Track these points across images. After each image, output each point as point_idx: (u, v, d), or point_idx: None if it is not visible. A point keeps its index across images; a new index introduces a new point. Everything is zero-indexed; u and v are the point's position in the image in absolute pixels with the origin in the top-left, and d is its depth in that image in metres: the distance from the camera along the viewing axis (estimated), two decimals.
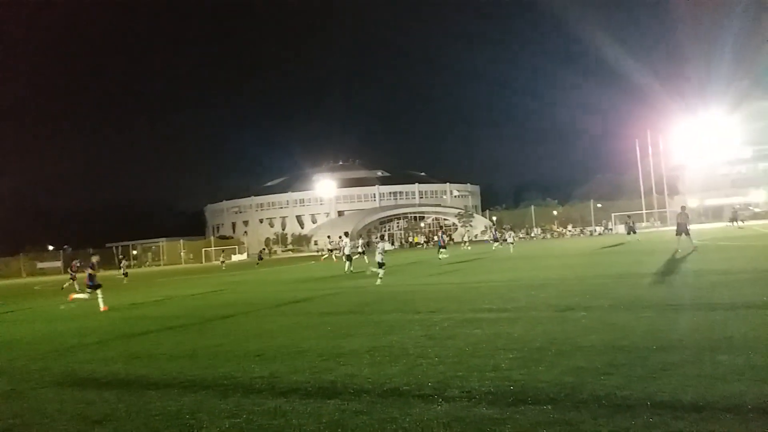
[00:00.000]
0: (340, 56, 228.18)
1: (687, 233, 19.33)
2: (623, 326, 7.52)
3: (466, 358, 6.34)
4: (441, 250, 30.18)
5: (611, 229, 65.78)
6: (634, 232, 34.52)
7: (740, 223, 42.80)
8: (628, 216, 43.75)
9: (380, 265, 17.83)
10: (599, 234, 63.74)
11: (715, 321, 7.43)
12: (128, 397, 5.83)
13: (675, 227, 20.04)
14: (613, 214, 69.41)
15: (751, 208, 69.47)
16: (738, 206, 59.43)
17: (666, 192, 72.54)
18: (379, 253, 18.16)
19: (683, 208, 21.20)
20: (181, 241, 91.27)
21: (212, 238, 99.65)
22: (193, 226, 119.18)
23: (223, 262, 57.06)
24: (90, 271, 16.35)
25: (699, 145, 75.49)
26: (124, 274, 35.60)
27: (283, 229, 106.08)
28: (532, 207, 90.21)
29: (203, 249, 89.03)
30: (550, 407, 4.51)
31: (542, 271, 17.49)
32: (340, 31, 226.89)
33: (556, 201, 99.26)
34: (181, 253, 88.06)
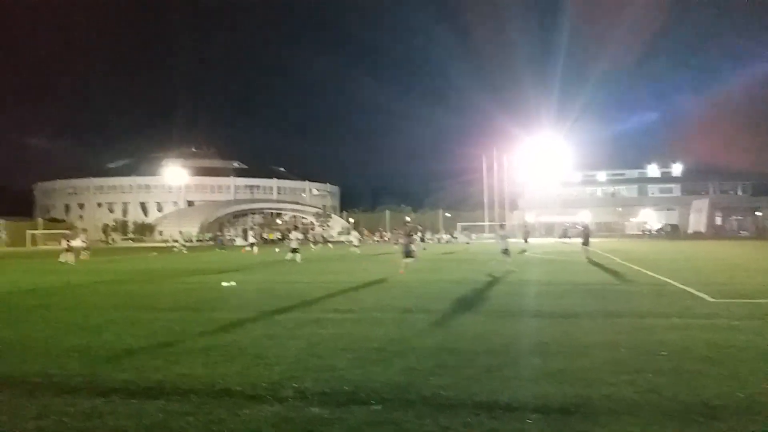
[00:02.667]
0: (196, 33, 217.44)
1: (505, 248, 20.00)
2: (456, 329, 7.98)
3: (305, 359, 6.32)
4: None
5: (456, 237, 69.77)
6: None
7: (568, 239, 47.75)
8: (500, 225, 47.22)
9: (294, 250, 24.07)
10: (446, 241, 67.32)
11: (535, 327, 8.15)
12: None
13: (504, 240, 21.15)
14: (458, 224, 73.74)
15: (578, 226, 77.77)
16: (567, 224, 66.09)
17: (507, 206, 78.78)
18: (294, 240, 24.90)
19: (502, 226, 22.79)
20: (2, 221, 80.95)
21: (40, 219, 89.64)
22: (18, 206, 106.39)
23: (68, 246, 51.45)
24: None
25: (537, 166, 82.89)
26: None
27: (125, 216, 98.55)
28: (387, 211, 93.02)
29: (28, 231, 79.68)
30: (380, 407, 4.63)
31: (390, 275, 18.01)
32: (207, 11, 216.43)
33: (410, 207, 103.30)
34: (1, 235, 78.11)
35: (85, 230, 31.18)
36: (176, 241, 43.73)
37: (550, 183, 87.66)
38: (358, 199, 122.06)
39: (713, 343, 6.75)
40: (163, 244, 68.05)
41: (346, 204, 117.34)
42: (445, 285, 14.28)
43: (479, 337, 7.38)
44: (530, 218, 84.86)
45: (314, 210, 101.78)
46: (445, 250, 38.71)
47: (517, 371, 5.69)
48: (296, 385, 5.25)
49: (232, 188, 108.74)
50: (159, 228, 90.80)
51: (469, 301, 11.04)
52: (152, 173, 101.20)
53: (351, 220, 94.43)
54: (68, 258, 27.33)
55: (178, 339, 7.55)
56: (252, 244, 39.01)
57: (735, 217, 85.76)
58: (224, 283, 14.93)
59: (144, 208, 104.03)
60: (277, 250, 28.50)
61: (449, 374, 5.56)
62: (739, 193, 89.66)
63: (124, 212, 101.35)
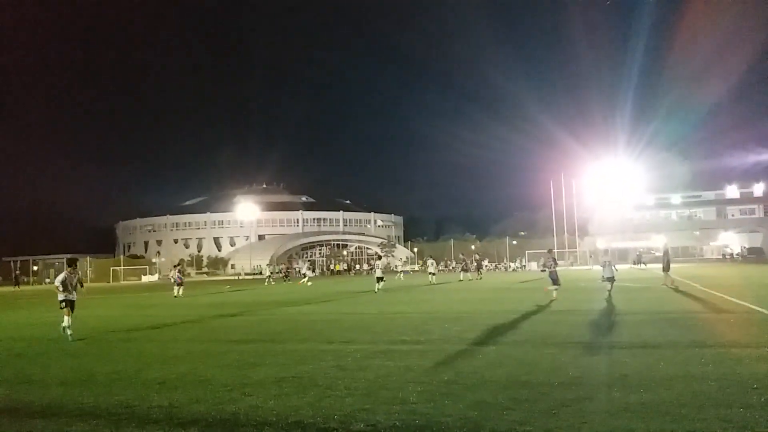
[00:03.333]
0: (267, 76, 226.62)
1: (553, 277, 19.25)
2: (528, 362, 7.76)
3: (375, 391, 6.32)
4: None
5: (524, 266, 68.19)
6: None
7: (643, 266, 45.72)
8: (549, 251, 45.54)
9: (379, 279, 24.37)
10: (513, 270, 65.93)
11: (612, 359, 7.81)
12: (9, 426, 5.37)
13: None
14: (527, 251, 72.14)
15: (652, 251, 74.37)
16: (641, 250, 63.46)
17: (577, 232, 76.45)
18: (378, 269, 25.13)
19: (550, 251, 21.68)
20: (88, 258, 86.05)
21: (122, 257, 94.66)
22: (102, 244, 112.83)
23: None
24: None
25: (607, 190, 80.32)
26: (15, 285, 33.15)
27: (199, 251, 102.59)
28: (452, 240, 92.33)
29: (111, 268, 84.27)
30: None
31: (457, 305, 17.82)
32: (267, 48, 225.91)
33: (475, 236, 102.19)
34: (87, 271, 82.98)
35: (177, 266, 32.24)
36: (268, 274, 45.47)
37: (622, 207, 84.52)
38: (422, 228, 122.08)
39: None
40: (234, 277, 70.16)
41: (410, 234, 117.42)
42: (513, 315, 13.96)
43: (553, 369, 7.15)
44: (601, 244, 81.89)
45: (379, 240, 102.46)
46: (514, 279, 37.91)
47: (596, 405, 5.46)
48: (367, 418, 5.25)
49: (300, 222, 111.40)
50: (231, 261, 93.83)
51: (540, 332, 10.73)
52: (225, 209, 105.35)
53: (415, 249, 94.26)
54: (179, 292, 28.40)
55: (251, 370, 7.73)
56: (305, 275, 39.44)
57: None
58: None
59: (217, 243, 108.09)
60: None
61: (523, 408, 5.41)
62: None
63: (199, 247, 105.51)
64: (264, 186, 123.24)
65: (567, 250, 72.74)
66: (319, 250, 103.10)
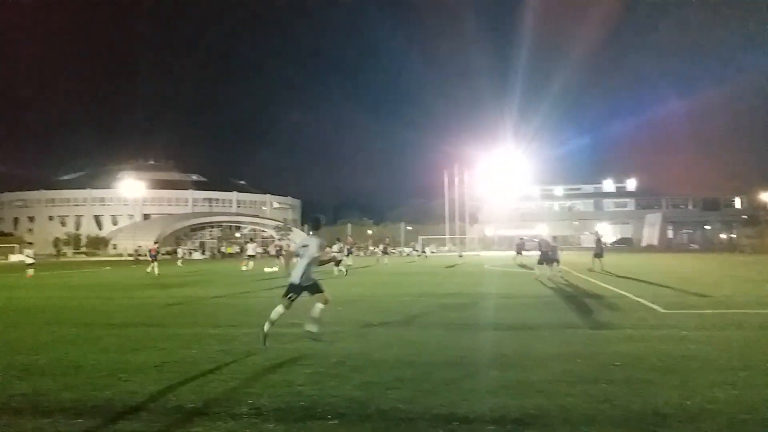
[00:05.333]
0: (156, 49, 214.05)
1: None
2: (416, 343, 7.97)
3: (262, 374, 6.20)
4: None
5: (418, 251, 70.04)
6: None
7: (525, 253, 48.50)
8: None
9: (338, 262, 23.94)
10: (407, 254, 67.45)
11: (494, 340, 8.21)
12: None
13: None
14: (420, 237, 74.14)
15: (535, 240, 79.20)
16: (525, 238, 67.24)
17: (467, 220, 79.68)
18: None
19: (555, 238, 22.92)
20: None
21: None
22: None
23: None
24: None
25: (497, 181, 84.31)
26: None
27: (78, 229, 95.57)
28: (349, 225, 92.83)
29: None
30: (336, 422, 4.57)
31: (353, 288, 17.94)
32: (157, 23, 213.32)
33: (372, 221, 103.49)
34: None
35: (31, 244, 29.42)
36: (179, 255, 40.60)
37: (509, 197, 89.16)
38: (319, 212, 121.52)
39: (664, 353, 6.93)
40: (117, 258, 66.23)
41: (308, 217, 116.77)
42: (407, 299, 14.29)
43: (439, 350, 7.39)
44: (489, 232, 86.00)
45: (274, 223, 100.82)
46: (407, 263, 38.82)
47: (475, 383, 5.71)
48: (252, 402, 5.14)
49: (190, 201, 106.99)
50: (113, 242, 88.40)
51: (430, 315, 11.06)
52: (107, 186, 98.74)
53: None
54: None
55: (130, 355, 7.31)
56: (250, 257, 32.99)
57: (685, 231, 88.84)
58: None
59: (98, 221, 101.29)
60: (267, 269, 26.98)
61: (407, 388, 5.54)
62: (690, 207, 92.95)
63: (77, 226, 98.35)
64: (152, 162, 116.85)
65: (458, 236, 75.51)
66: (210, 231, 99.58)
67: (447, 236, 77.12)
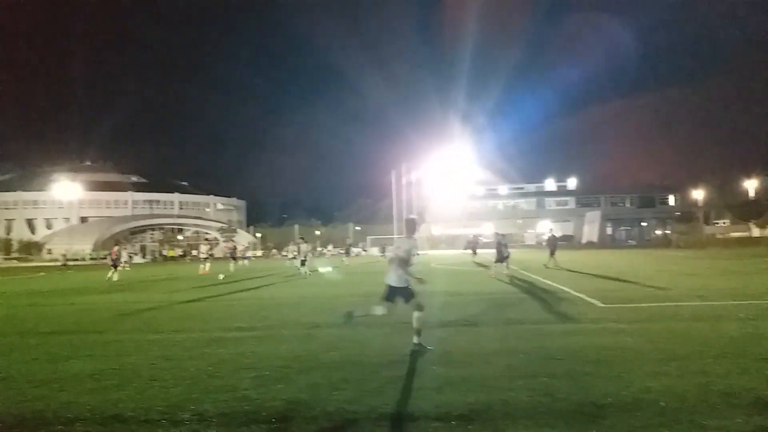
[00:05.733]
0: (97, 39, 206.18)
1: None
2: (362, 342, 7.98)
3: (205, 379, 6.06)
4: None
5: (366, 251, 70.15)
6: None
7: (473, 251, 49.36)
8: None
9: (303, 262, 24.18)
10: (356, 255, 67.45)
11: (441, 337, 8.29)
12: None
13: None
14: (368, 237, 74.32)
15: (481, 238, 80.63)
16: (472, 236, 68.40)
17: (405, 232, 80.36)
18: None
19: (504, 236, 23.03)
20: None
21: None
22: None
23: None
24: None
25: (444, 181, 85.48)
26: None
27: (8, 234, 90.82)
28: (297, 226, 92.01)
29: None
30: (280, 425, 4.51)
31: (299, 289, 17.77)
32: (105, 12, 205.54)
33: (320, 222, 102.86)
34: None
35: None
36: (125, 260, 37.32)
37: (456, 197, 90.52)
38: (266, 213, 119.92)
39: (602, 346, 7.17)
40: (52, 264, 63.35)
41: (254, 219, 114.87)
42: (354, 299, 14.26)
43: (385, 349, 7.41)
44: (436, 231, 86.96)
45: (218, 225, 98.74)
46: (356, 263, 38.77)
47: (421, 381, 5.75)
48: (194, 407, 5.02)
49: (129, 203, 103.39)
50: (48, 246, 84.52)
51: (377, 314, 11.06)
52: (40, 188, 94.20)
53: (258, 235, 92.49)
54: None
55: (64, 364, 6.99)
56: (205, 259, 32.51)
57: (623, 228, 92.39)
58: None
59: (30, 225, 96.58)
60: (221, 277, 25.82)
61: (353, 388, 5.53)
62: (627, 205, 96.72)
63: (8, 230, 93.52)
64: (88, 164, 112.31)
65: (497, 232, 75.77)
66: (151, 234, 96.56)
67: (395, 236, 77.58)
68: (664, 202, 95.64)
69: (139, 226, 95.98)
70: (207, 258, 32.71)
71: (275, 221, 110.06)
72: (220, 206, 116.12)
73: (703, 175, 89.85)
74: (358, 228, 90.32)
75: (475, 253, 34.77)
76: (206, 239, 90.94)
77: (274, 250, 73.02)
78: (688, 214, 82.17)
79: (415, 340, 7.42)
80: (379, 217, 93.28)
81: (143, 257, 78.21)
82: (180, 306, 14.08)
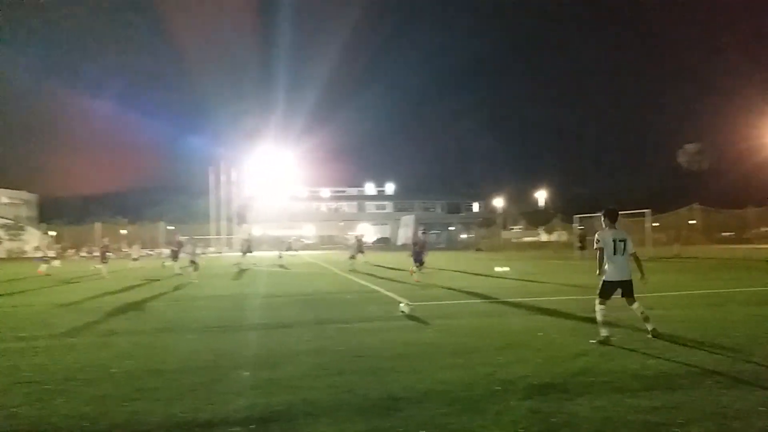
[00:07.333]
0: None
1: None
2: (165, 349, 7.48)
3: None
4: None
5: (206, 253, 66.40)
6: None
7: (293, 252, 49.34)
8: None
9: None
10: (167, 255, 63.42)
11: (249, 340, 8.11)
12: None
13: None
14: (180, 237, 70.37)
15: (303, 239, 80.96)
16: (293, 238, 68.36)
17: (235, 220, 78.04)
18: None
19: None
20: None
21: None
22: None
23: None
24: None
25: (266, 180, 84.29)
26: None
27: None
28: (99, 224, 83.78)
29: None
30: None
31: (98, 291, 16.14)
32: None
33: (127, 219, 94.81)
34: None
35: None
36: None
37: (277, 197, 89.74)
38: (62, 209, 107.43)
39: (406, 342, 7.56)
40: None
41: (47, 215, 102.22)
42: (157, 303, 13.37)
43: (189, 356, 7.02)
44: (257, 232, 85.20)
45: (3, 221, 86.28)
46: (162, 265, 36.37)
47: (225, 386, 5.53)
48: None
49: None
50: None
51: (182, 319, 10.48)
52: None
53: (51, 233, 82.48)
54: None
55: None
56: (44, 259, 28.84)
57: (434, 231, 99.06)
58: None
59: None
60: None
61: (148, 398, 5.13)
62: (438, 211, 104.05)
63: None
64: None
65: (225, 236, 73.56)
66: None
67: (212, 236, 74.59)
68: (469, 208, 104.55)
69: None
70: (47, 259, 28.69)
71: (74, 218, 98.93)
72: (5, 200, 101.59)
73: (502, 185, 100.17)
74: (170, 227, 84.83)
75: (362, 252, 28.67)
76: None
77: (70, 251, 65.82)
78: (489, 219, 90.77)
79: (648, 327, 7.48)
80: (195, 216, 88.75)
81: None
82: None
